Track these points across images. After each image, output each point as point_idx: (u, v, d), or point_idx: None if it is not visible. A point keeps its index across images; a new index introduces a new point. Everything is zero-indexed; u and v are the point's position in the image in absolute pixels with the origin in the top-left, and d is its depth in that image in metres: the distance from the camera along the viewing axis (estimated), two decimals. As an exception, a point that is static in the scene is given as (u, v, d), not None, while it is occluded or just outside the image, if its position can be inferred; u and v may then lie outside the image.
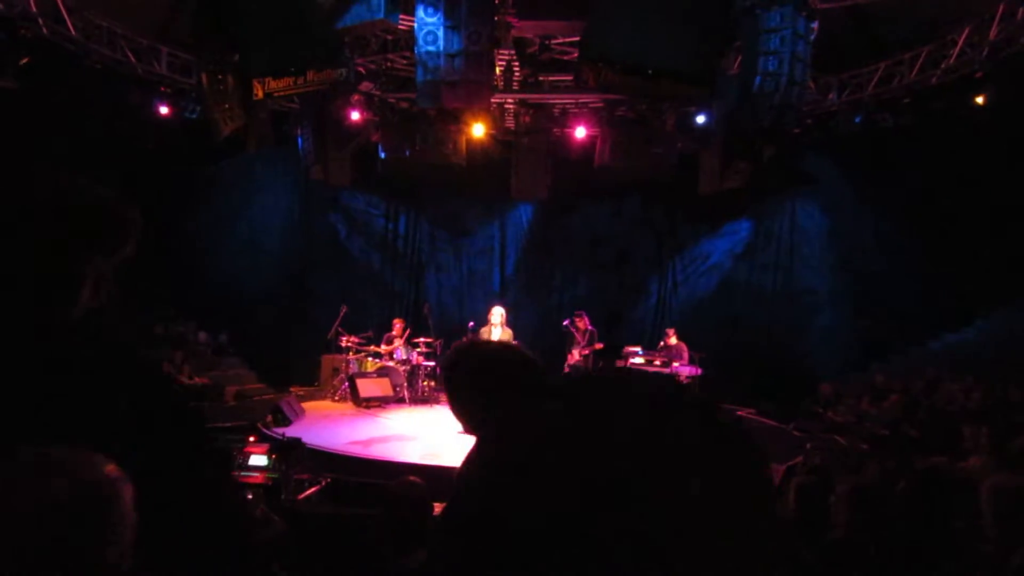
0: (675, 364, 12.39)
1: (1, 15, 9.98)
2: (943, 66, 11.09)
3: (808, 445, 10.00)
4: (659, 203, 16.75)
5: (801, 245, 15.75)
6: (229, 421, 10.37)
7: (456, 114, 13.01)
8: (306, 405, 11.93)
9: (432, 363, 13.77)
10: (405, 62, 12.60)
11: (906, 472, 2.67)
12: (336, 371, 13.66)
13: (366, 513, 4.52)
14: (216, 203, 15.37)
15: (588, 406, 0.73)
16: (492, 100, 12.30)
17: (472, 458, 1.02)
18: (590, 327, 12.61)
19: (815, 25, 9.55)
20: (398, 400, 12.82)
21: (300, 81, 11.03)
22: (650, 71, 9.37)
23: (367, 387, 12.52)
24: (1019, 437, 8.03)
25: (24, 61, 10.40)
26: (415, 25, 9.86)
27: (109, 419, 1.29)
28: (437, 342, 13.72)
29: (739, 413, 12.95)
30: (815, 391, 13.15)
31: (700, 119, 13.29)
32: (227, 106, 11.20)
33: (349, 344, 13.10)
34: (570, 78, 12.59)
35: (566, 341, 12.74)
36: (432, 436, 10.12)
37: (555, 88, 13.51)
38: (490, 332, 10.02)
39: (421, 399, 13.24)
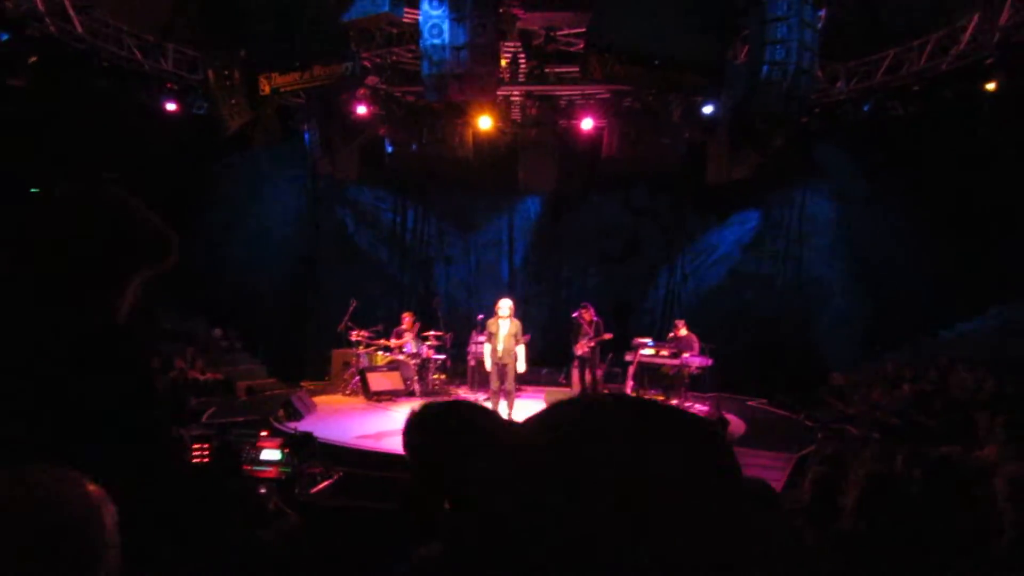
0: (685, 355, 12.37)
1: (9, 14, 10.02)
2: (953, 52, 10.99)
3: (820, 435, 9.98)
4: (667, 194, 16.70)
5: (810, 235, 15.67)
6: (241, 416, 10.42)
7: (462, 107, 12.99)
8: (317, 399, 11.98)
9: (442, 356, 13.80)
10: (411, 56, 12.59)
11: (918, 461, 2.66)
12: (346, 365, 13.70)
13: (379, 506, 4.54)
14: (224, 199, 15.41)
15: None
16: (498, 93, 12.28)
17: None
18: (596, 318, 12.60)
19: (822, 13, 9.50)
20: (409, 393, 12.86)
21: (306, 76, 11.04)
22: (657, 61, 9.34)
23: (378, 381, 12.56)
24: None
25: (32, 60, 10.45)
26: (420, 18, 9.85)
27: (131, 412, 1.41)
28: (447, 335, 13.74)
29: (750, 403, 12.96)
30: (826, 381, 13.12)
31: (707, 109, 13.22)
32: (234, 102, 11.23)
33: (359, 338, 13.14)
34: (576, 70, 12.55)
35: (574, 333, 12.74)
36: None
37: (561, 80, 13.46)
38: (498, 324, 10.01)
39: (431, 392, 13.28)
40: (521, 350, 10.07)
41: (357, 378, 12.90)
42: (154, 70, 12.26)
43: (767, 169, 13.35)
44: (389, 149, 14.23)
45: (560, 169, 15.17)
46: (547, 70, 13.04)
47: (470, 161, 14.07)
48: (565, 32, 12.06)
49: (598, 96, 13.96)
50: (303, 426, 9.43)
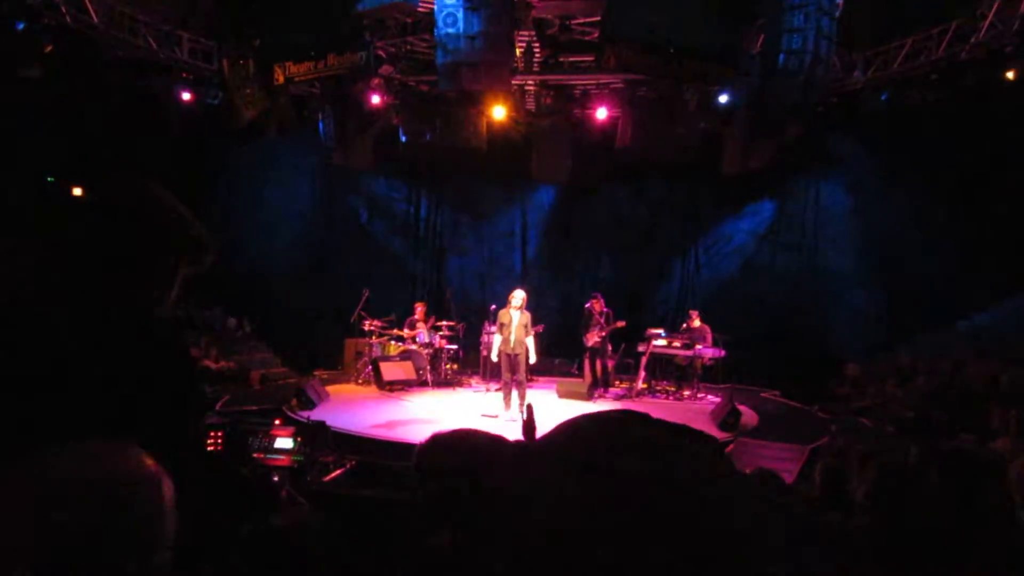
0: (698, 346, 12.33)
1: (24, 4, 10.07)
2: (972, 40, 10.84)
3: (833, 427, 9.93)
4: (682, 184, 16.64)
5: (825, 225, 15.57)
6: (255, 404, 10.49)
7: (476, 97, 12.95)
8: (330, 388, 12.02)
9: (455, 346, 13.82)
10: (425, 45, 12.56)
11: (932, 454, 2.64)
12: (359, 355, 13.75)
13: (391, 495, 4.56)
14: (238, 188, 15.48)
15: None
16: (512, 82, 12.25)
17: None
18: (605, 309, 12.60)
19: (840, 1, 9.39)
20: (421, 383, 12.89)
21: (320, 65, 11.06)
22: (672, 50, 9.28)
23: (390, 370, 12.59)
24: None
25: (48, 49, 10.50)
26: (435, 7, 9.82)
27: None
28: (459, 325, 13.76)
29: (763, 395, 12.91)
30: (840, 372, 13.06)
31: (723, 99, 13.12)
32: (248, 91, 11.27)
33: (372, 328, 13.17)
34: (591, 59, 12.49)
35: (585, 323, 12.73)
36: (454, 419, 10.16)
37: (576, 69, 13.40)
38: (510, 315, 10.00)
39: (444, 382, 13.32)
40: (531, 341, 10.07)
41: (370, 368, 12.95)
42: (169, 60, 12.30)
43: (782, 159, 13.27)
44: (403, 139, 14.22)
45: (574, 159, 15.11)
46: (561, 59, 12.99)
47: (484, 151, 14.05)
48: (580, 21, 11.99)
49: (613, 86, 13.89)
50: (316, 415, 9.48)
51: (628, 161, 14.64)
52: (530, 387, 10.86)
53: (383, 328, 13.30)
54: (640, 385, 12.67)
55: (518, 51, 11.77)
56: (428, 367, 13.17)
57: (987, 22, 10.57)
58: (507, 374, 10.04)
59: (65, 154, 11.59)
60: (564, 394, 12.18)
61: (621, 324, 12.63)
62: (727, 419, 9.81)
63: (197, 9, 12.26)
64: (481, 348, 13.45)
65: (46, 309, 1.48)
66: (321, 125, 13.75)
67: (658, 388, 13.02)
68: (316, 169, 16.24)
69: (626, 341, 13.22)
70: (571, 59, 13.12)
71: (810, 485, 4.19)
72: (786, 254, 15.99)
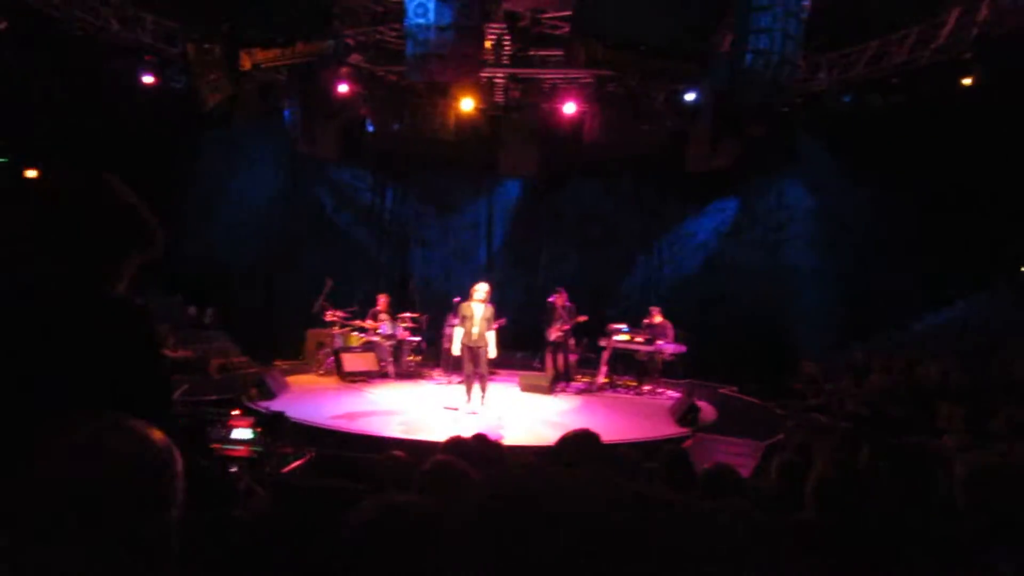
0: (659, 342, 12.45)
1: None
2: (932, 47, 11.07)
3: (789, 423, 10.10)
4: (647, 181, 16.75)
5: (787, 224, 15.79)
6: (213, 394, 10.34)
7: (445, 88, 12.91)
8: (290, 379, 11.92)
9: (417, 338, 13.77)
10: (395, 35, 12.46)
11: (883, 451, 2.71)
12: (321, 345, 13.64)
13: (350, 487, 4.53)
14: (201, 175, 15.20)
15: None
16: (482, 74, 12.21)
17: None
18: (568, 303, 12.67)
19: (807, 3, 9.49)
20: (383, 375, 12.85)
21: (288, 52, 10.92)
22: (641, 47, 9.32)
23: (352, 361, 12.52)
24: (996, 416, 8.16)
25: (3, 26, 10.21)
26: (405, -3, 9.73)
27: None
28: (422, 317, 13.72)
29: (721, 391, 13.08)
30: (798, 370, 13.27)
31: (690, 96, 13.24)
32: (213, 76, 11.04)
33: (334, 318, 13.07)
34: (560, 53, 12.51)
35: (548, 317, 12.78)
36: (416, 411, 10.15)
37: (545, 63, 13.41)
38: (472, 308, 9.98)
39: (406, 374, 13.28)
40: (491, 335, 10.07)
41: (331, 358, 12.86)
42: (131, 41, 12.03)
43: (747, 158, 13.43)
44: (370, 129, 14.12)
45: (541, 153, 15.14)
46: (531, 53, 12.99)
47: (451, 143, 14.00)
48: (550, 15, 11.99)
49: (581, 81, 13.93)
50: (276, 406, 9.38)
51: (595, 156, 14.72)
52: (492, 381, 10.87)
53: (345, 319, 13.20)
54: (601, 379, 12.75)
55: (488, 44, 11.73)
56: (390, 359, 13.12)
57: (947, 29, 10.80)
58: (469, 367, 10.03)
59: (20, 135, 11.31)
60: (526, 388, 12.22)
61: (583, 318, 12.71)
62: (686, 415, 9.93)
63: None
64: (444, 340, 13.42)
65: None
66: (287, 113, 13.58)
67: (619, 383, 13.13)
68: (281, 158, 16.03)
69: (588, 335, 13.29)
70: (541, 53, 13.12)
71: (767, 480, 4.25)
72: (748, 252, 16.18)
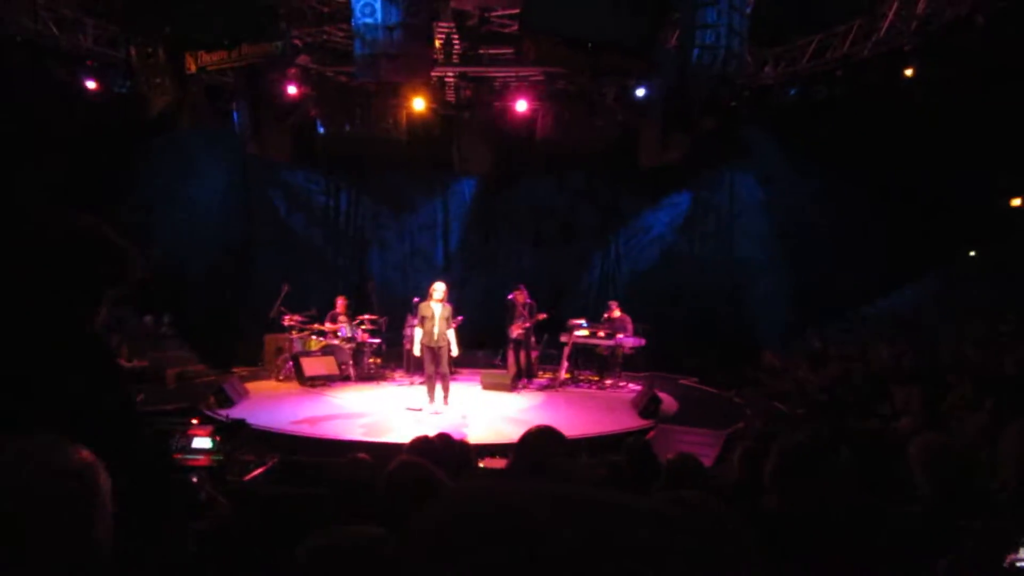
0: (619, 336, 12.55)
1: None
2: (873, 39, 11.35)
3: (748, 411, 10.27)
4: (601, 176, 16.87)
5: (739, 216, 16.05)
6: (171, 404, 10.16)
7: (396, 88, 12.83)
8: (250, 386, 11.76)
9: (377, 340, 13.69)
10: (343, 35, 12.36)
11: (840, 436, 2.78)
12: (280, 350, 13.47)
13: (314, 492, 4.50)
14: (150, 182, 14.88)
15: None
16: (432, 73, 12.17)
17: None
18: (528, 300, 12.72)
19: (751, -2, 9.67)
20: (344, 378, 12.74)
21: (234, 54, 10.76)
22: (590, 44, 9.38)
23: (312, 366, 12.39)
24: (948, 397, 8.41)
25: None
26: (352, -4, 9.66)
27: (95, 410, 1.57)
28: (382, 319, 13.64)
29: (681, 382, 13.24)
30: (759, 359, 13.48)
31: (640, 92, 13.37)
32: (158, 80, 10.83)
33: (292, 323, 12.92)
34: (511, 51, 12.53)
35: (508, 315, 12.82)
36: (378, 413, 10.09)
37: (495, 61, 13.42)
38: (431, 308, 9.96)
39: (367, 376, 13.19)
40: (451, 334, 10.07)
41: (291, 363, 12.71)
42: (72, 46, 11.74)
43: (698, 152, 13.60)
44: (321, 130, 13.98)
45: (495, 151, 15.16)
46: (481, 51, 12.99)
47: (404, 143, 13.93)
48: (499, 13, 12.01)
49: (532, 78, 13.98)
50: (236, 413, 9.24)
51: (548, 153, 14.77)
52: (454, 380, 10.86)
53: (303, 323, 13.06)
54: (563, 375, 12.82)
55: (437, 43, 11.70)
56: (351, 361, 13.02)
57: (887, 22, 11.08)
58: (430, 367, 10.01)
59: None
60: (488, 386, 12.22)
61: (543, 316, 12.76)
62: (648, 406, 10.03)
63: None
64: (404, 341, 13.36)
65: None
66: (236, 116, 13.40)
67: (581, 378, 13.21)
68: (232, 162, 15.78)
69: (549, 332, 13.35)
70: (491, 51, 13.14)
71: (729, 468, 4.33)
72: (703, 244, 16.41)
